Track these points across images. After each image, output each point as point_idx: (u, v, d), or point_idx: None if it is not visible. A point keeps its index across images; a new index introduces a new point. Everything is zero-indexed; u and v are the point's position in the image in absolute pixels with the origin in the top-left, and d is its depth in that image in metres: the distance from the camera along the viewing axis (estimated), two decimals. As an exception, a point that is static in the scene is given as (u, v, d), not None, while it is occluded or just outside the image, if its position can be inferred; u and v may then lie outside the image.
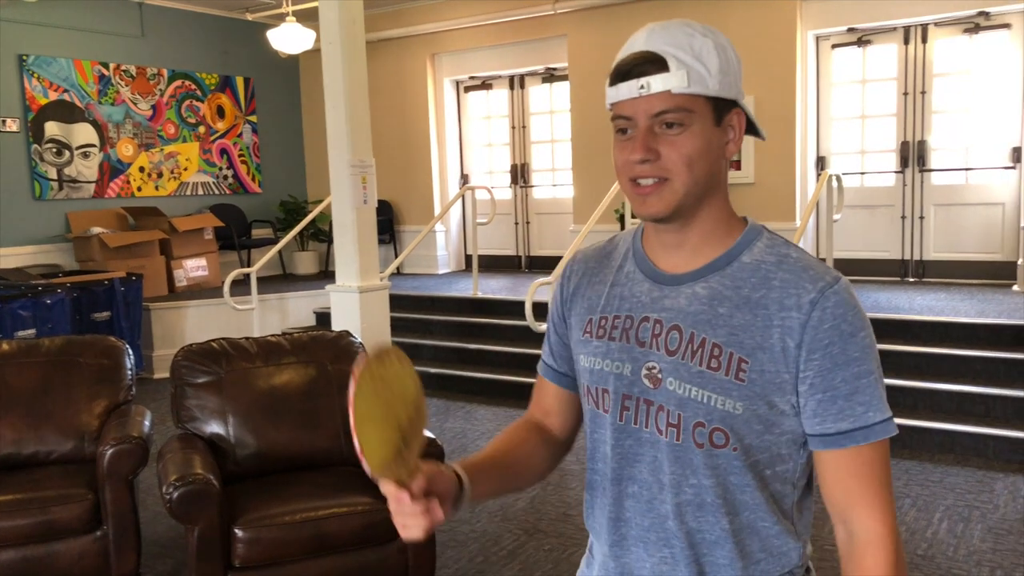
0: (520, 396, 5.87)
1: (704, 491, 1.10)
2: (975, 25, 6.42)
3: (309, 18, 7.04)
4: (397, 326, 5.87)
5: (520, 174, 8.69)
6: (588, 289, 1.23)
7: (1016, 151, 6.36)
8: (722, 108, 1.09)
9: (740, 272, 1.10)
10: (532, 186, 8.67)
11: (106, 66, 7.86)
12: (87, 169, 7.75)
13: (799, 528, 1.16)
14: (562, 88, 8.21)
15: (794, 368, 1.05)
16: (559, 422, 1.32)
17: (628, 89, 1.07)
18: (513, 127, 8.69)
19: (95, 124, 7.79)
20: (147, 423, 3.36)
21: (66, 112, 7.58)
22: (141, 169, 8.15)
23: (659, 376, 1.10)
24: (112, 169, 7.92)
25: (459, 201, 8.57)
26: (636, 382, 1.12)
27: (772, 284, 1.07)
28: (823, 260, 1.09)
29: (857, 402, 1.04)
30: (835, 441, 1.06)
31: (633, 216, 6.52)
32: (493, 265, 8.68)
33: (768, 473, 1.11)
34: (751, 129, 1.16)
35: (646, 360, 1.11)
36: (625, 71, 1.08)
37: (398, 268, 7.88)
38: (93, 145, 7.79)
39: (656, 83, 1.05)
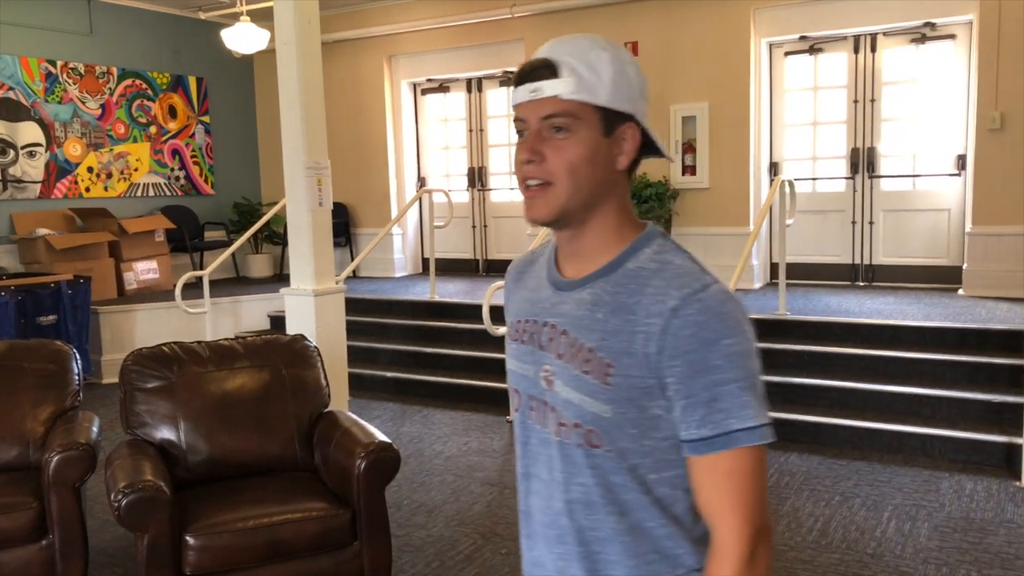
0: (477, 400, 5.86)
1: (590, 490, 1.13)
2: (922, 35, 6.58)
3: (263, 18, 6.95)
4: (353, 330, 5.82)
5: (477, 177, 8.68)
6: (515, 294, 1.30)
7: (961, 159, 6.53)
8: (613, 120, 1.11)
9: (622, 278, 1.12)
10: (490, 189, 8.67)
11: (53, 63, 7.68)
12: (33, 169, 7.55)
13: (695, 533, 1.14)
14: (519, 92, 8.21)
15: (656, 374, 1.07)
16: None
17: (522, 92, 1.12)
18: (471, 130, 8.69)
19: (41, 123, 7.60)
20: (95, 429, 3.28)
21: (11, 110, 7.39)
22: (90, 169, 7.97)
23: (551, 378, 1.15)
24: (59, 169, 7.74)
25: (416, 204, 8.53)
26: (536, 383, 1.18)
27: (646, 291, 1.09)
28: (700, 267, 1.14)
29: (717, 409, 1.05)
30: (696, 448, 1.07)
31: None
32: (450, 268, 8.66)
33: (653, 477, 1.12)
34: (653, 150, 1.18)
35: (543, 363, 1.17)
36: (522, 75, 1.12)
37: (354, 271, 7.82)
38: (39, 144, 7.60)
39: (547, 88, 1.09)
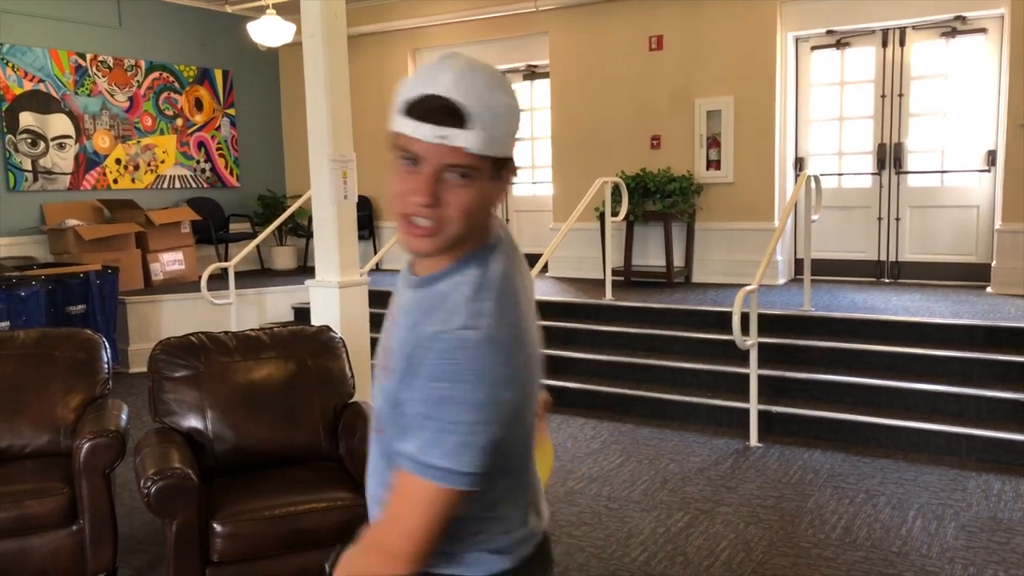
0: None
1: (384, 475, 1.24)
2: (952, 29, 6.50)
3: (289, 11, 6.98)
4: (376, 322, 5.82)
5: (500, 171, 8.68)
6: None
7: (991, 154, 6.45)
8: (503, 165, 1.16)
9: (429, 295, 1.19)
10: (511, 183, 8.65)
11: (83, 56, 7.76)
12: (62, 160, 7.65)
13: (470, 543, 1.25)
14: (543, 86, 8.21)
15: (399, 386, 1.16)
16: None
17: (427, 132, 1.10)
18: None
19: (71, 115, 7.69)
20: (124, 417, 3.33)
21: (41, 102, 7.48)
22: (117, 161, 8.06)
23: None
24: (88, 161, 7.83)
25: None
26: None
27: (432, 314, 1.15)
28: (475, 308, 1.18)
29: (415, 436, 1.12)
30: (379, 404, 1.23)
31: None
32: (473, 262, 8.65)
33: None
34: None
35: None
36: (426, 112, 1.10)
37: (377, 264, 7.85)
38: (69, 136, 7.69)
39: (457, 138, 1.09)
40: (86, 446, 3.03)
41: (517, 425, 1.19)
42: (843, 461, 4.44)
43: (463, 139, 1.09)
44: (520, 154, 8.47)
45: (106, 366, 3.60)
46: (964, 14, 6.37)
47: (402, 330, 1.21)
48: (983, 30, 6.41)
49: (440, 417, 1.10)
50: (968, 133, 6.55)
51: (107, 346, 3.66)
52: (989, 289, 6.21)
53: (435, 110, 1.10)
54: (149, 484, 2.67)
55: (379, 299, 6.84)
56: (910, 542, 3.47)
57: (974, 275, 6.53)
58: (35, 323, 5.79)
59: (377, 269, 8.33)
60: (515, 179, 1.25)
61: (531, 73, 8.37)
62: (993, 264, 6.23)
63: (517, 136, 1.18)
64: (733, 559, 3.37)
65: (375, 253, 7.78)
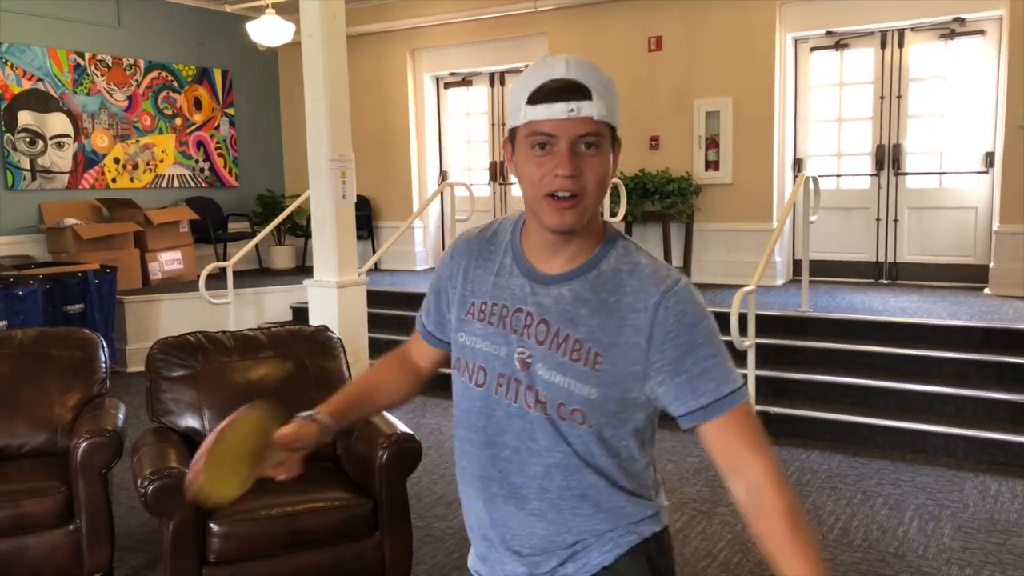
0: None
1: (568, 456, 1.30)
2: (951, 31, 6.50)
3: (288, 11, 6.98)
4: (374, 322, 5.84)
5: (499, 171, 8.69)
6: (472, 272, 1.40)
7: (989, 156, 6.46)
8: (615, 135, 1.27)
9: (599, 279, 1.28)
10: (511, 183, 8.67)
11: (81, 55, 7.76)
12: (61, 160, 7.64)
13: (636, 486, 1.35)
14: (542, 86, 8.20)
15: (644, 360, 1.25)
16: (428, 366, 1.60)
17: (559, 109, 1.21)
18: (492, 124, 8.69)
19: (69, 114, 7.69)
20: (121, 416, 3.32)
21: (40, 101, 7.48)
22: (116, 160, 8.06)
23: (528, 361, 1.30)
24: (87, 160, 7.82)
25: (438, 198, 8.54)
26: (509, 363, 1.31)
27: (624, 290, 1.27)
28: (662, 264, 1.33)
29: (709, 378, 1.25)
30: (696, 417, 1.26)
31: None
32: (471, 262, 8.65)
33: (620, 443, 1.31)
34: None
35: (518, 346, 1.31)
36: (556, 93, 1.21)
37: (376, 264, 7.85)
38: (67, 135, 7.68)
39: (584, 108, 1.21)
40: (83, 445, 3.03)
41: None
42: (841, 462, 4.44)
43: (588, 108, 1.21)
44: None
45: (104, 365, 3.60)
46: (963, 16, 6.38)
47: (592, 316, 1.27)
48: (981, 32, 6.42)
49: (718, 347, 1.26)
50: (966, 135, 6.55)
51: (105, 345, 3.66)
52: (987, 290, 6.21)
53: (562, 89, 1.21)
54: (146, 484, 2.67)
55: (378, 299, 6.87)
56: (907, 543, 3.48)
57: (972, 276, 6.53)
58: (33, 322, 5.78)
59: (376, 269, 8.33)
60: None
61: (530, 73, 8.37)
62: (991, 265, 6.23)
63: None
64: (731, 559, 3.37)
65: (374, 253, 7.78)
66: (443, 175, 9.00)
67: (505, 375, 1.32)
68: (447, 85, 8.94)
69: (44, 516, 3.00)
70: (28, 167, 7.40)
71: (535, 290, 1.31)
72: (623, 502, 1.33)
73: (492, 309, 1.35)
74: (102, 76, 7.91)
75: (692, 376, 1.24)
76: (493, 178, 8.73)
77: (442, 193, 8.19)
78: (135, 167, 8.22)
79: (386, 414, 3.21)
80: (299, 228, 8.90)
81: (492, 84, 8.66)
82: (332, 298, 4.72)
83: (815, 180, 5.72)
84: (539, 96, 1.22)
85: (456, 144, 9.03)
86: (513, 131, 1.28)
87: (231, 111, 9.11)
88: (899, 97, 6.76)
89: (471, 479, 1.39)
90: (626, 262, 1.28)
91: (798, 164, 7.20)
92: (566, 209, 1.24)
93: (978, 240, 6.57)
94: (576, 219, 1.25)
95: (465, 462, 1.40)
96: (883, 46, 6.78)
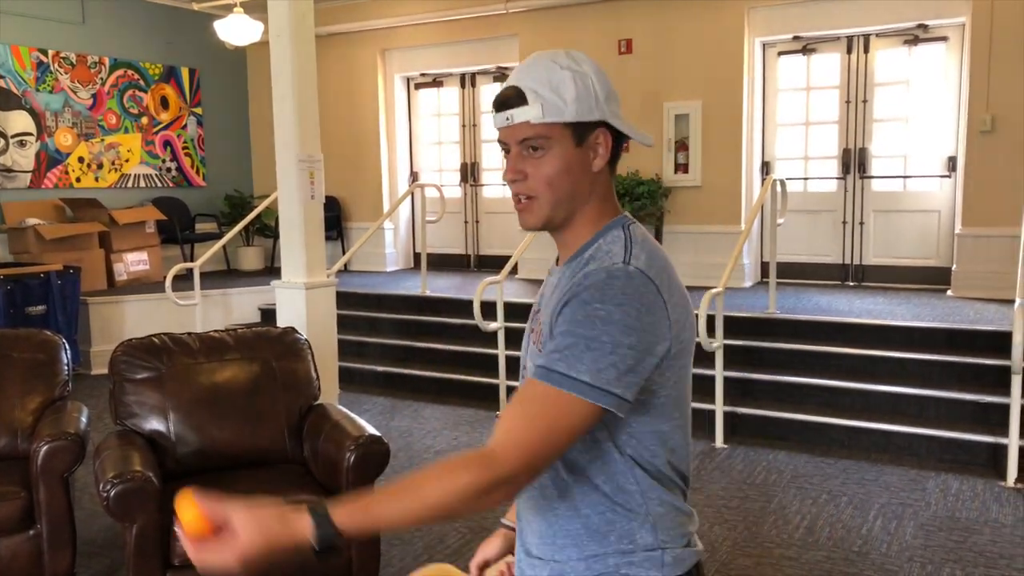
0: (467, 395, 5.87)
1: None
2: (914, 37, 6.61)
3: (257, 9, 6.92)
4: (344, 323, 5.82)
5: (470, 173, 8.68)
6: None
7: (951, 160, 6.57)
8: (583, 130, 1.25)
9: (577, 265, 1.26)
10: (482, 185, 8.67)
11: (44, 52, 7.63)
12: (23, 158, 7.51)
13: (630, 503, 1.26)
14: (513, 88, 8.21)
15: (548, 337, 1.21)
16: None
17: (500, 119, 1.26)
18: (464, 125, 8.68)
19: (32, 112, 7.56)
20: (84, 419, 3.28)
21: (1, 99, 7.34)
22: (80, 159, 7.94)
23: (527, 353, 1.33)
24: (50, 159, 7.70)
25: (408, 199, 8.52)
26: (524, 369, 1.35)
27: (587, 269, 1.22)
28: (629, 253, 1.24)
29: (558, 350, 1.14)
30: (531, 372, 1.19)
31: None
32: (442, 264, 8.65)
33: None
34: (625, 137, 1.30)
35: (528, 342, 1.34)
36: (497, 104, 1.26)
37: (345, 265, 7.80)
38: (30, 134, 7.56)
39: (518, 115, 1.24)
40: (44, 449, 2.98)
41: (673, 380, 1.22)
42: (807, 462, 4.49)
43: (523, 114, 1.23)
44: (491, 155, 8.52)
45: (66, 368, 3.54)
46: (926, 22, 6.48)
47: (551, 299, 1.25)
48: (944, 38, 6.53)
49: (583, 334, 1.13)
50: (929, 139, 6.66)
51: (67, 347, 3.60)
52: (950, 292, 6.32)
53: (503, 99, 1.25)
54: (108, 487, 2.63)
55: (347, 300, 6.84)
56: (870, 541, 3.52)
57: (935, 278, 6.64)
58: (-6, 324, 5.68)
59: (345, 270, 8.29)
60: (617, 145, 1.29)
61: (501, 75, 8.37)
62: (954, 268, 6.34)
63: (600, 100, 1.25)
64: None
65: (343, 254, 7.74)
66: (414, 176, 8.98)
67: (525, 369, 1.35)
68: (418, 86, 8.91)
69: (4, 521, 2.95)
70: (-11, 166, 7.27)
71: (546, 282, 1.36)
72: (604, 508, 1.23)
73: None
74: (66, 74, 7.79)
75: (552, 339, 1.17)
76: (464, 179, 8.72)
77: (412, 194, 8.17)
78: (100, 166, 8.10)
79: (353, 415, 3.19)
80: (267, 229, 8.82)
81: (463, 85, 8.64)
82: (300, 299, 4.69)
83: (783, 183, 5.78)
84: (494, 107, 1.27)
85: (427, 145, 9.00)
86: None
87: (199, 110, 9.01)
88: (864, 101, 6.86)
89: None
90: (603, 248, 1.24)
91: (766, 167, 7.27)
92: (522, 211, 1.28)
93: (941, 243, 6.68)
94: (534, 219, 1.28)
95: None
96: (849, 51, 6.87)
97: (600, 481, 1.23)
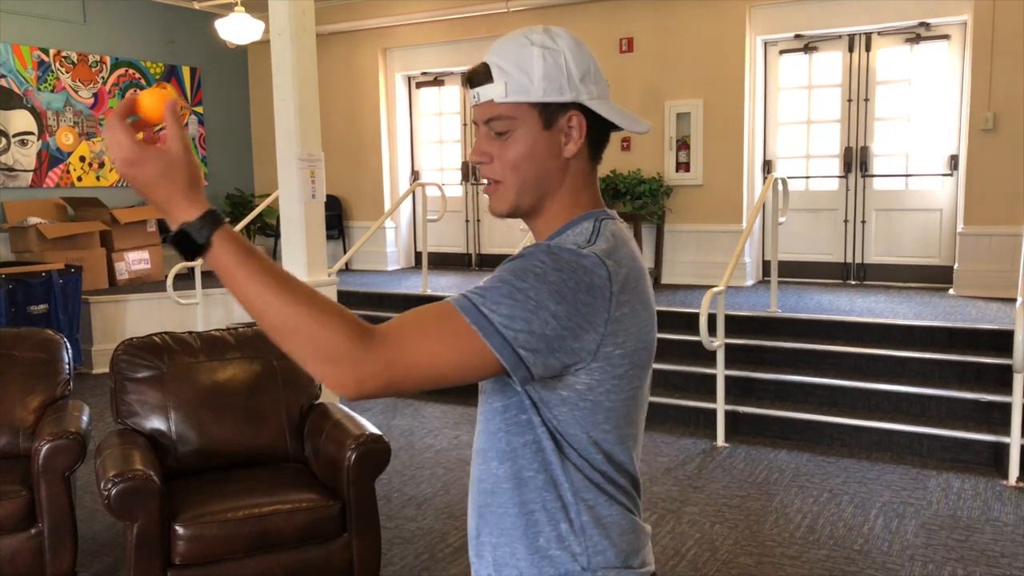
0: (468, 394, 5.86)
1: (482, 428, 1.23)
2: (916, 35, 6.60)
3: (258, 8, 6.92)
4: (345, 322, 5.81)
5: (471, 171, 8.68)
6: None
7: (953, 159, 6.56)
8: (553, 112, 1.15)
9: None
10: (483, 183, 8.64)
11: (46, 52, 7.63)
12: (24, 157, 7.52)
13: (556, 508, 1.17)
14: (514, 86, 8.21)
15: None
16: None
17: (470, 97, 1.20)
18: (465, 124, 8.68)
19: (33, 111, 7.57)
20: (85, 418, 3.28)
21: (3, 98, 7.35)
22: (82, 159, 7.94)
23: None
24: (51, 158, 7.70)
25: (409, 197, 8.52)
26: None
27: None
28: (586, 242, 1.13)
29: (481, 287, 1.05)
30: None
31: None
32: (443, 262, 8.65)
33: (509, 409, 1.16)
34: (610, 125, 1.19)
35: None
36: (466, 81, 1.20)
37: (347, 264, 7.81)
38: (31, 133, 7.56)
39: (483, 93, 1.17)
40: (45, 448, 2.99)
41: (607, 387, 1.10)
42: (808, 461, 4.49)
43: (487, 92, 1.15)
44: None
45: (67, 367, 3.54)
46: (928, 20, 6.47)
47: None
48: (946, 36, 6.52)
49: (511, 281, 1.04)
50: (931, 138, 6.65)
51: (68, 346, 3.60)
52: (951, 291, 6.31)
53: (471, 74, 1.18)
54: (109, 486, 2.63)
55: (348, 299, 6.83)
56: (872, 540, 3.52)
57: (937, 277, 6.63)
58: (-5, 323, 5.69)
59: (346, 269, 8.29)
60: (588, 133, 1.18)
61: (502, 74, 8.36)
62: (955, 267, 6.33)
63: (574, 80, 1.14)
64: (699, 558, 3.39)
65: (344, 253, 7.73)
66: (415, 175, 8.97)
67: None
68: (419, 85, 8.91)
69: (6, 520, 2.95)
70: (-9, 165, 7.27)
71: None
72: (535, 506, 1.14)
73: None
74: (67, 73, 7.80)
75: (482, 281, 1.08)
76: (465, 178, 8.72)
77: (414, 193, 8.17)
78: (101, 165, 8.11)
79: (354, 414, 3.19)
80: (269, 228, 8.83)
81: (464, 84, 8.63)
82: (301, 298, 4.68)
83: (784, 182, 5.78)
84: (464, 81, 1.21)
85: (428, 144, 9.00)
86: None
87: (200, 109, 9.01)
88: (866, 100, 6.85)
89: None
90: (570, 239, 1.14)
91: (767, 166, 7.26)
92: (491, 195, 1.21)
93: (943, 241, 6.67)
94: (501, 205, 1.20)
95: None
96: (851, 49, 6.86)
97: (531, 473, 1.14)
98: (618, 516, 1.16)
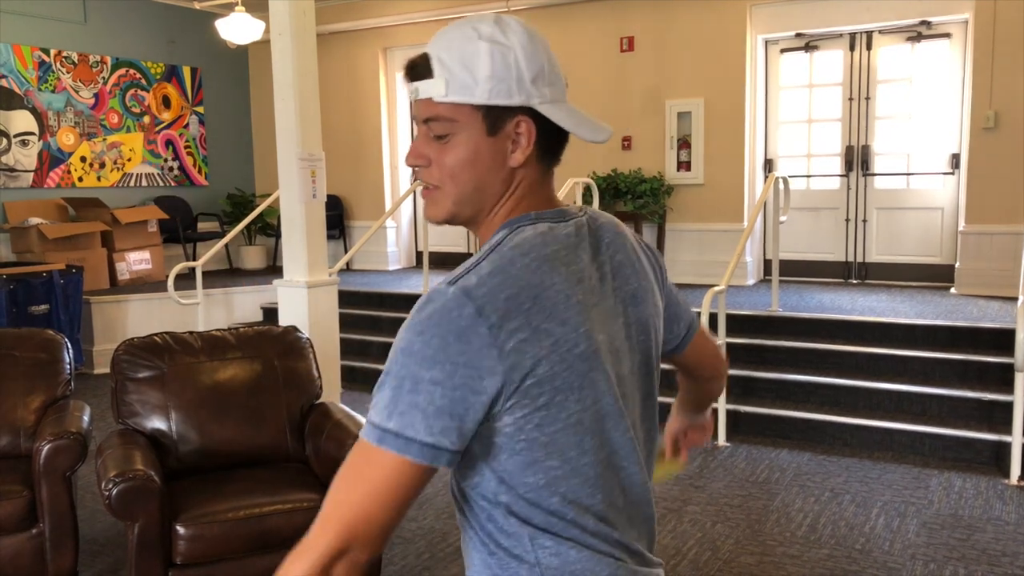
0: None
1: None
2: (917, 34, 6.59)
3: (258, 8, 6.92)
4: (346, 322, 5.81)
5: (411, 172, 8.66)
6: None
7: (955, 158, 6.55)
8: (498, 116, 1.02)
9: None
10: (528, 140, 8.64)
11: (47, 52, 7.64)
12: (25, 158, 7.52)
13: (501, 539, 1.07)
14: (515, 86, 8.20)
15: None
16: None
17: (408, 91, 1.07)
18: (465, 124, 8.67)
19: (34, 111, 7.57)
20: (86, 418, 3.28)
21: (3, 98, 7.35)
22: (83, 159, 7.94)
23: None
24: (52, 158, 7.70)
25: (410, 197, 8.52)
26: None
27: None
28: (475, 267, 1.01)
29: (375, 390, 0.99)
30: None
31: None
32: (444, 262, 8.64)
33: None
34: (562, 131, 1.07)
35: None
36: (407, 73, 1.06)
37: (348, 264, 7.80)
38: (32, 133, 7.56)
39: (423, 89, 1.03)
40: (46, 448, 2.98)
41: (538, 421, 0.98)
42: (809, 460, 4.48)
43: (427, 89, 1.02)
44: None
45: (68, 367, 3.54)
46: (929, 19, 6.46)
47: None
48: (947, 35, 6.51)
49: (389, 370, 0.96)
50: (933, 136, 6.65)
51: (69, 346, 3.60)
52: (953, 290, 6.30)
53: (410, 67, 1.05)
54: (110, 486, 2.63)
55: (349, 299, 6.83)
56: (873, 539, 3.52)
57: (938, 276, 6.63)
58: (-4, 323, 5.69)
59: (347, 269, 8.29)
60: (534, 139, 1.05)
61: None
62: (957, 265, 6.32)
63: (524, 80, 1.01)
64: (700, 557, 3.39)
65: (345, 252, 7.73)
66: (415, 174, 8.95)
67: None
68: (419, 84, 8.90)
69: (7, 520, 2.95)
70: (-8, 165, 7.28)
71: None
72: (493, 547, 1.04)
73: None
74: (68, 73, 7.80)
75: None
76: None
77: (414, 192, 8.16)
78: (102, 166, 8.11)
79: (355, 414, 3.19)
80: (269, 228, 8.82)
81: (404, 76, 8.62)
82: (302, 298, 4.68)
83: (785, 180, 5.77)
84: (403, 71, 1.08)
85: (429, 143, 8.99)
86: None
87: (200, 109, 9.01)
88: (867, 99, 6.84)
89: None
90: (469, 261, 1.02)
91: (769, 165, 7.26)
92: (427, 200, 1.08)
93: (944, 240, 6.66)
94: (437, 212, 1.07)
95: None
96: (851, 48, 6.85)
97: (483, 516, 1.04)
98: (590, 563, 1.04)
